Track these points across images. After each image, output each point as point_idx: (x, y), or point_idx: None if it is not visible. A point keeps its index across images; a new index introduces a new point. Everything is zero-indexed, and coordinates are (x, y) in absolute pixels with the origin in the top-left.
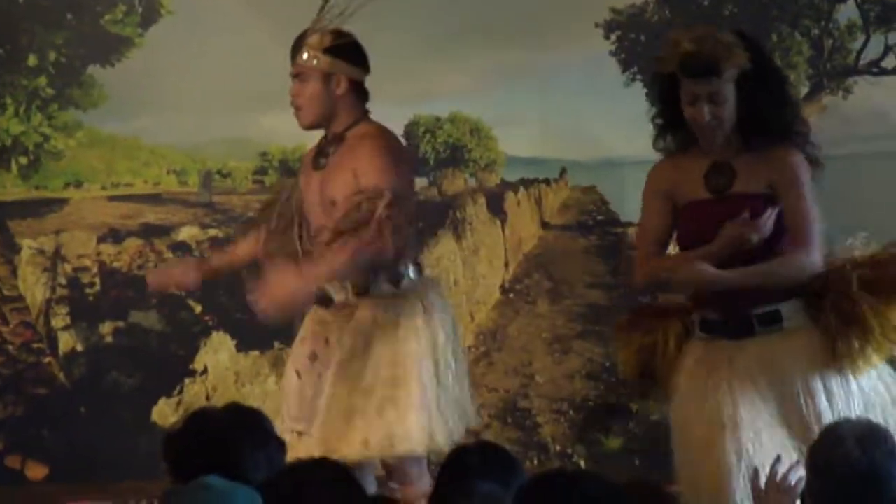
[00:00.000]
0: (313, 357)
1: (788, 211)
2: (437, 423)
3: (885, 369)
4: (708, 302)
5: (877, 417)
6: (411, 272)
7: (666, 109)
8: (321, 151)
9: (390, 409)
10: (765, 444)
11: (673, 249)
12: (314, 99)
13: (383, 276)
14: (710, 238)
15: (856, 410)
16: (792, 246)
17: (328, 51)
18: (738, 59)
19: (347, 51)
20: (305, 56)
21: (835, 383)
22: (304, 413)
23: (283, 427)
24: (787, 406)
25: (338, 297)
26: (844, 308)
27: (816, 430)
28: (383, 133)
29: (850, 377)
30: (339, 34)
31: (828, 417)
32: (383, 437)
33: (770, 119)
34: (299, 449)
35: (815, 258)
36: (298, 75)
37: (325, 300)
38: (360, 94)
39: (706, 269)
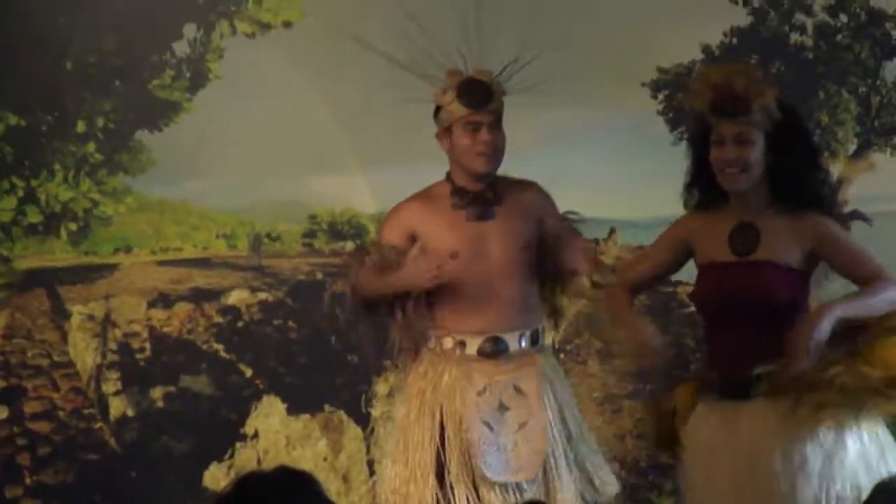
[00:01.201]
0: (503, 408)
1: (843, 262)
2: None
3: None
4: (709, 362)
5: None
6: None
7: (697, 160)
8: (473, 202)
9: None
10: None
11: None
12: (503, 148)
13: (541, 327)
14: (728, 301)
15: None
16: (871, 285)
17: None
18: (767, 96)
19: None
20: (498, 104)
21: (815, 452)
22: (507, 464)
23: (465, 481)
24: (764, 470)
25: (515, 347)
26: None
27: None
28: (535, 183)
29: (844, 442)
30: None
31: (805, 478)
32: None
33: (802, 184)
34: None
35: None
36: (493, 123)
37: (495, 350)
38: None
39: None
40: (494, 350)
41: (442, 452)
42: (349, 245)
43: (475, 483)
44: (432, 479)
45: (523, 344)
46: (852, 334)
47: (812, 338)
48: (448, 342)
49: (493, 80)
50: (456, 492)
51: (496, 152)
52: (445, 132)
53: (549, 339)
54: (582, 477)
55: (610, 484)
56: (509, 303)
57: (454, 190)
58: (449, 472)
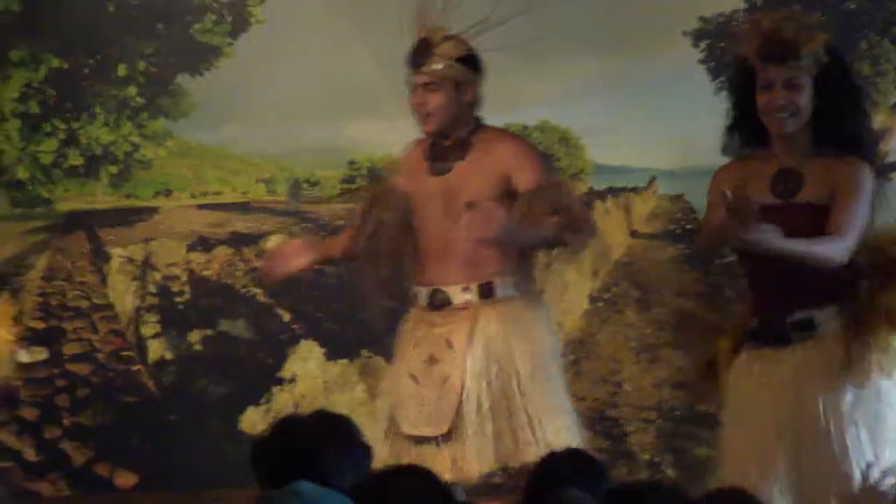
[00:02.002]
0: (432, 360)
1: (838, 209)
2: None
3: None
4: (752, 310)
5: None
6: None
7: (739, 104)
8: (439, 156)
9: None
10: (808, 453)
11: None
12: (445, 107)
13: (509, 279)
14: None
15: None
16: (832, 233)
17: (461, 60)
18: (817, 41)
19: (475, 61)
20: (440, 66)
21: (860, 395)
22: (426, 418)
23: (393, 431)
24: (809, 418)
25: (458, 299)
26: (857, 314)
27: (835, 439)
28: (516, 135)
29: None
30: (466, 44)
31: (848, 424)
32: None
33: (844, 127)
34: (424, 454)
35: (845, 249)
36: (428, 83)
37: (438, 303)
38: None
39: (758, 229)
40: (434, 302)
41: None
42: None
43: (401, 438)
44: (380, 432)
45: (468, 297)
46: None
47: (748, 224)
48: (412, 293)
49: (437, 40)
50: (384, 445)
51: (428, 114)
52: None
53: (517, 289)
54: (508, 436)
55: (532, 444)
56: (453, 256)
57: (430, 140)
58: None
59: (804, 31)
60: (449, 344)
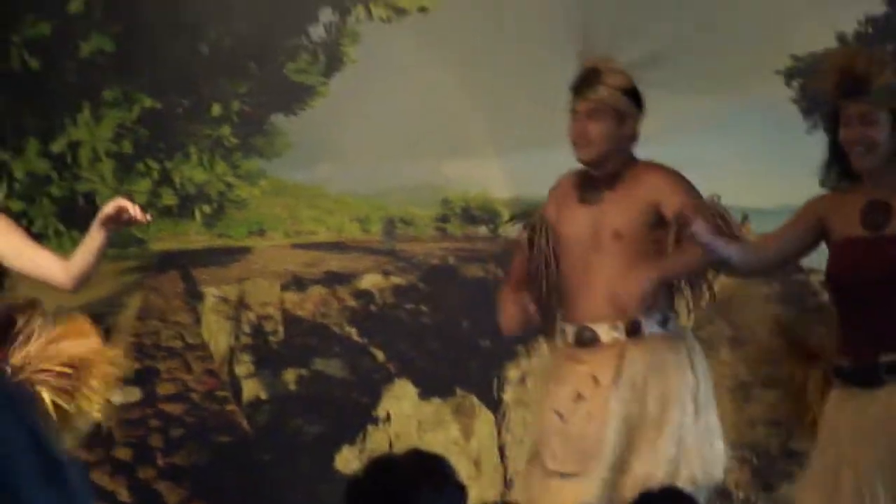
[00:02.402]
0: (578, 398)
1: None
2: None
3: None
4: (840, 349)
5: None
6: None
7: (833, 139)
8: (590, 187)
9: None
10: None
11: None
12: (606, 137)
13: (656, 317)
14: (864, 275)
15: None
16: None
17: (626, 91)
18: (888, 76)
19: (638, 95)
20: (606, 94)
21: None
22: (572, 454)
23: (536, 470)
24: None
25: (606, 337)
26: None
27: None
28: (665, 166)
29: None
30: (630, 77)
31: None
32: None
33: None
34: (565, 491)
35: None
36: (592, 112)
37: (587, 340)
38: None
39: (705, 235)
40: (582, 340)
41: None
42: (482, 230)
43: (538, 472)
44: (523, 465)
45: (616, 335)
46: None
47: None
48: (558, 329)
49: (605, 69)
50: (521, 479)
51: (588, 142)
52: None
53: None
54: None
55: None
56: (599, 290)
57: (582, 172)
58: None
59: (876, 65)
60: (595, 381)
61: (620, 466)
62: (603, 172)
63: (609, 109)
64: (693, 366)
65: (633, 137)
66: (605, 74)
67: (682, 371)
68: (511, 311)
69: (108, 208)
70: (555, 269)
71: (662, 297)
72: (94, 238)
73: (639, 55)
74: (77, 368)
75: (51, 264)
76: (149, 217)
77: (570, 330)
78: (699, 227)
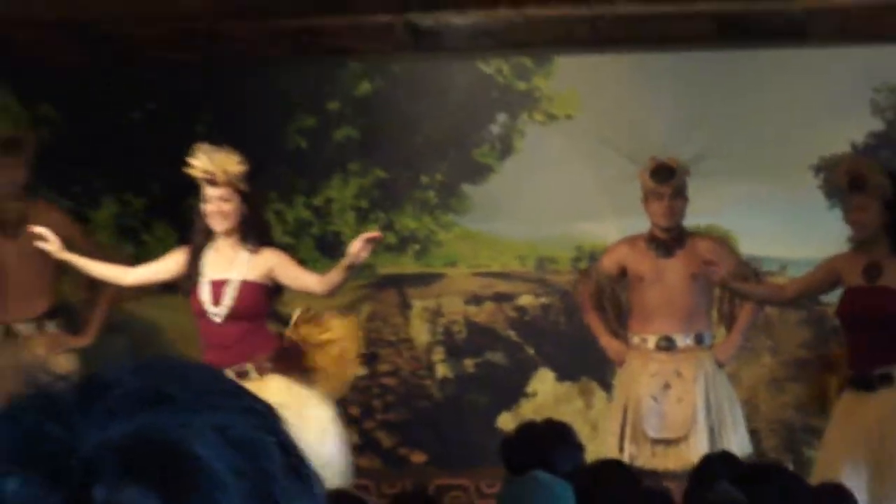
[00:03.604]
0: (667, 386)
1: None
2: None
3: None
4: (848, 362)
5: None
6: None
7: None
8: (661, 245)
9: None
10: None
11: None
12: (682, 210)
13: (709, 332)
14: (861, 313)
15: None
16: None
17: (688, 176)
18: (878, 177)
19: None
20: (681, 182)
21: None
22: (670, 426)
23: (640, 439)
24: (889, 444)
25: (681, 343)
26: None
27: None
28: (714, 236)
29: None
30: (687, 169)
31: None
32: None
33: None
34: (670, 451)
35: None
36: (674, 194)
37: (667, 346)
38: None
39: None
40: (666, 345)
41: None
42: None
43: (642, 440)
44: (615, 439)
45: (688, 342)
46: None
47: None
48: (636, 339)
49: (677, 164)
50: (628, 446)
51: (673, 213)
52: (644, 198)
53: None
54: (717, 440)
55: (738, 447)
56: (678, 313)
57: (650, 235)
58: (625, 432)
59: (872, 170)
60: (678, 374)
61: (713, 432)
62: (674, 235)
63: (683, 189)
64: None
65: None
66: (679, 166)
67: (720, 372)
68: (608, 344)
69: (357, 242)
70: (623, 299)
71: (707, 320)
72: (342, 265)
73: (695, 151)
74: (336, 345)
75: (310, 280)
76: (380, 235)
77: (652, 339)
78: (719, 271)
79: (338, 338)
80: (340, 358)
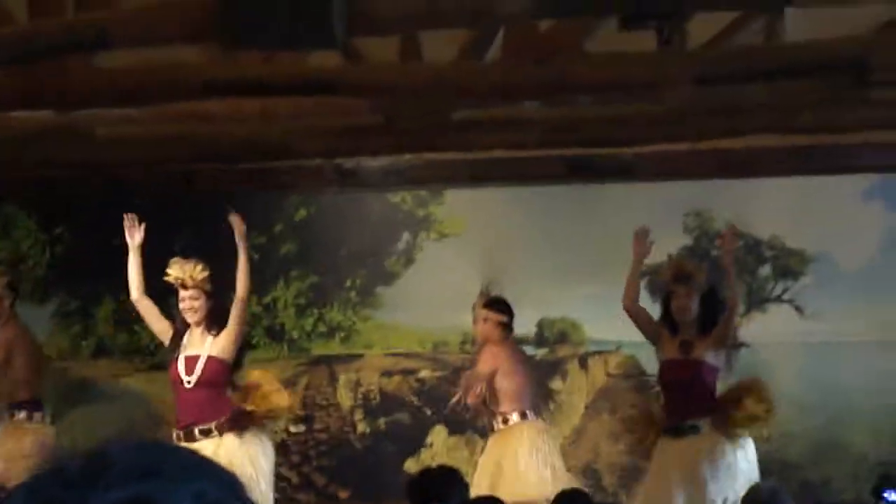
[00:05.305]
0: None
1: (716, 334)
2: None
3: (751, 449)
4: (667, 416)
5: (742, 481)
6: None
7: (664, 307)
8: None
9: None
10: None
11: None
12: (692, 307)
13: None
14: (678, 381)
15: (737, 478)
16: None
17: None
18: (700, 275)
19: None
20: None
21: (721, 463)
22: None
23: None
24: (697, 477)
25: (704, 428)
26: (719, 424)
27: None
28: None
29: (735, 457)
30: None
31: (713, 479)
32: None
33: (715, 319)
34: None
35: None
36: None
37: (689, 431)
38: None
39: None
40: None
41: None
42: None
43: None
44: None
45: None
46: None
47: None
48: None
49: (696, 268)
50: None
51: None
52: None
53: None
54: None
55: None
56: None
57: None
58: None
59: (695, 269)
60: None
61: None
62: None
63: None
64: None
65: None
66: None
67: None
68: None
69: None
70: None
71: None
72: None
73: (553, 262)
74: (273, 410)
75: (235, 310)
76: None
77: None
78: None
79: (268, 391)
80: (274, 406)
